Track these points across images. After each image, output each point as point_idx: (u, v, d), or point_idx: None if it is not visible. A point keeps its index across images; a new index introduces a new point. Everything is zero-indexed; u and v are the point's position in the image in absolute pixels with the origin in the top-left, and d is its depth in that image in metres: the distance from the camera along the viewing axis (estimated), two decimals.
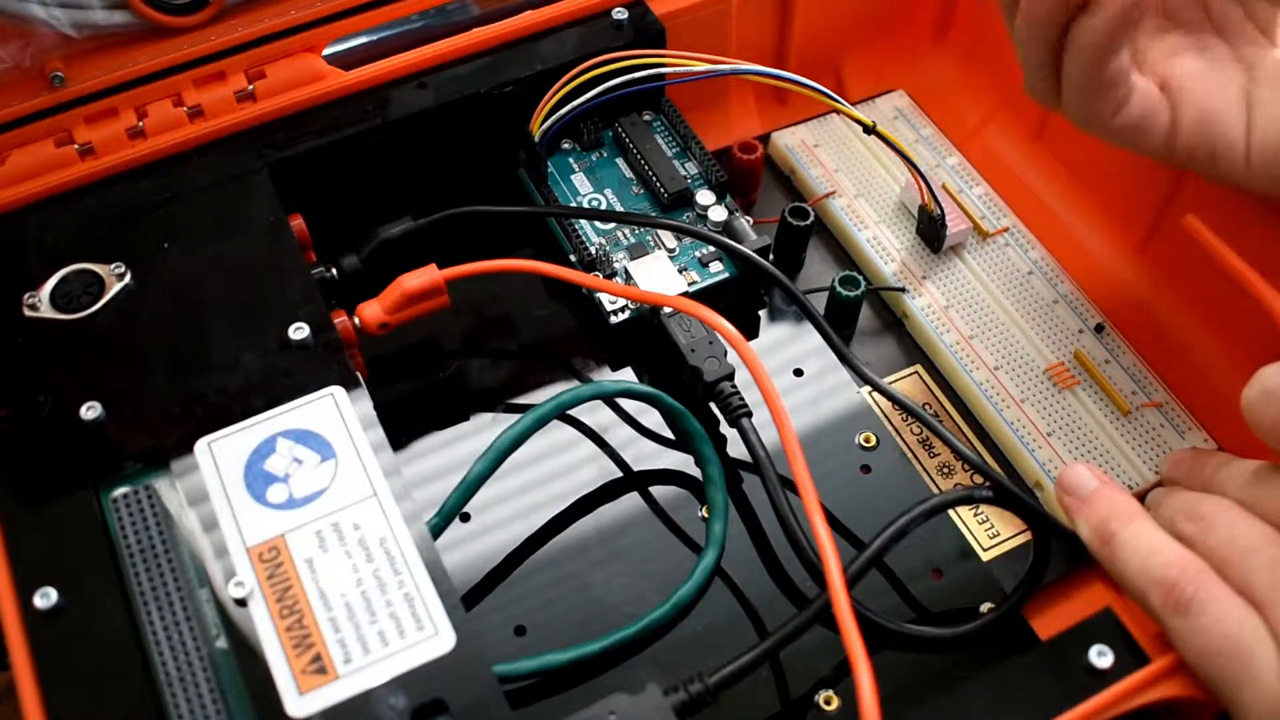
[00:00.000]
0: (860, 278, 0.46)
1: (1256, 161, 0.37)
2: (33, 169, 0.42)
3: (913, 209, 0.49)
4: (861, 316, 0.47)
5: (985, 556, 0.41)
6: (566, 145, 0.49)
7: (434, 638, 0.32)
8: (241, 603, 0.32)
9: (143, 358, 0.37)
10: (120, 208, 0.41)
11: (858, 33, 0.54)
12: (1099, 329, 0.45)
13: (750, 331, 0.47)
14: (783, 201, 0.49)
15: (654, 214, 0.47)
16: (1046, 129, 0.50)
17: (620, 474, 0.42)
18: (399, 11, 0.46)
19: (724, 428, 0.43)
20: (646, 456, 0.43)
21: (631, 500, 0.42)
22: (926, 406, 0.45)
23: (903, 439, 0.44)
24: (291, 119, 0.44)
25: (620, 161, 0.49)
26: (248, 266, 0.40)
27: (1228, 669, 0.31)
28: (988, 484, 0.38)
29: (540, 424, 0.40)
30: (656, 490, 0.42)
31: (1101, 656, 0.34)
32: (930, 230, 0.47)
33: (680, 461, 0.43)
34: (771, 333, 0.47)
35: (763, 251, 0.45)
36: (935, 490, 0.42)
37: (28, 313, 0.38)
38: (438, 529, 0.38)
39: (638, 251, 0.46)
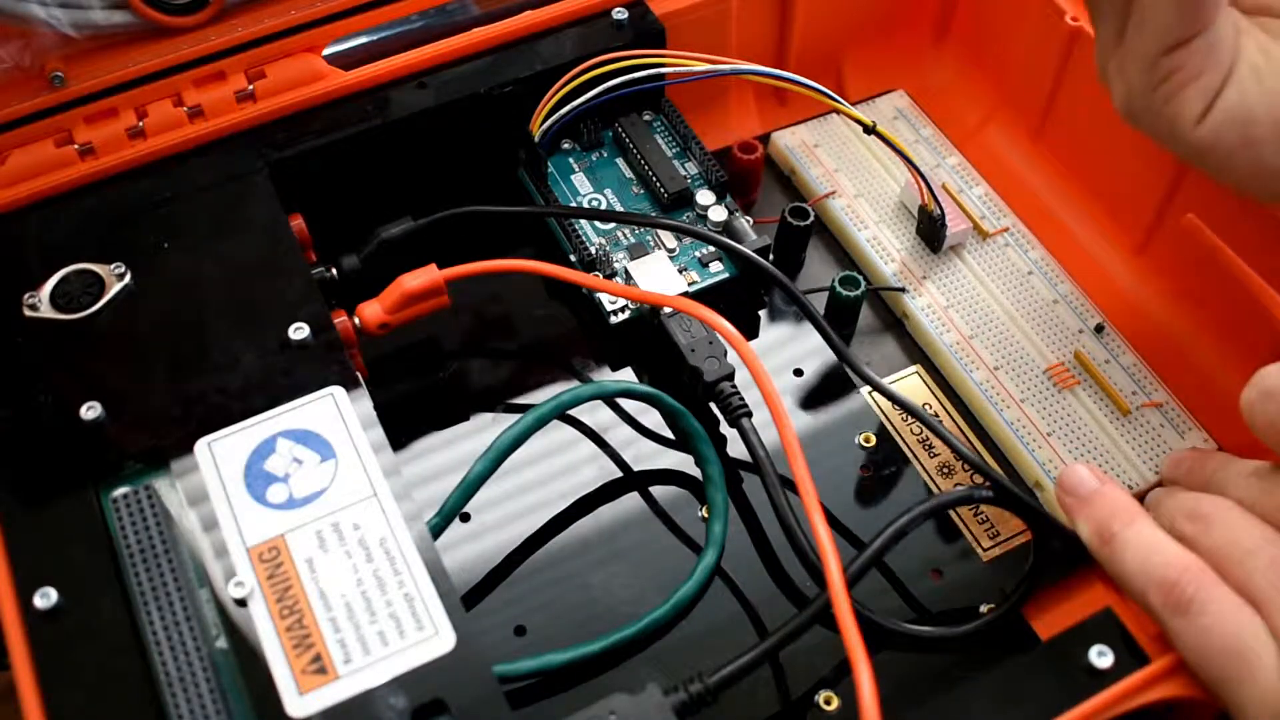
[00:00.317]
0: (860, 278, 0.46)
1: None
2: (33, 169, 0.42)
3: (913, 209, 0.49)
4: (861, 316, 0.47)
5: (985, 556, 0.41)
6: (566, 145, 0.49)
7: (434, 638, 0.32)
8: (241, 603, 0.32)
9: (143, 358, 0.37)
10: (120, 208, 0.41)
11: (858, 33, 0.54)
12: (1099, 329, 0.45)
13: (750, 331, 0.47)
14: (783, 201, 0.49)
15: (654, 214, 0.47)
16: (1046, 129, 0.50)
17: (620, 474, 0.42)
18: (399, 11, 0.46)
19: (724, 428, 0.43)
20: (646, 456, 0.43)
21: (631, 500, 0.42)
22: (926, 406, 0.45)
23: (903, 439, 0.44)
24: (291, 119, 0.44)
25: (620, 161, 0.49)
26: (248, 266, 0.40)
27: (1228, 669, 0.31)
28: (988, 484, 0.38)
29: (540, 424, 0.40)
30: (656, 490, 0.42)
31: (1101, 656, 0.34)
32: (930, 230, 0.47)
33: (680, 461, 0.43)
34: (771, 333, 0.47)
35: (763, 251, 0.45)
36: (935, 490, 0.42)
37: (28, 313, 0.38)
38: (438, 529, 0.38)
39: (638, 251, 0.46)
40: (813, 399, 0.44)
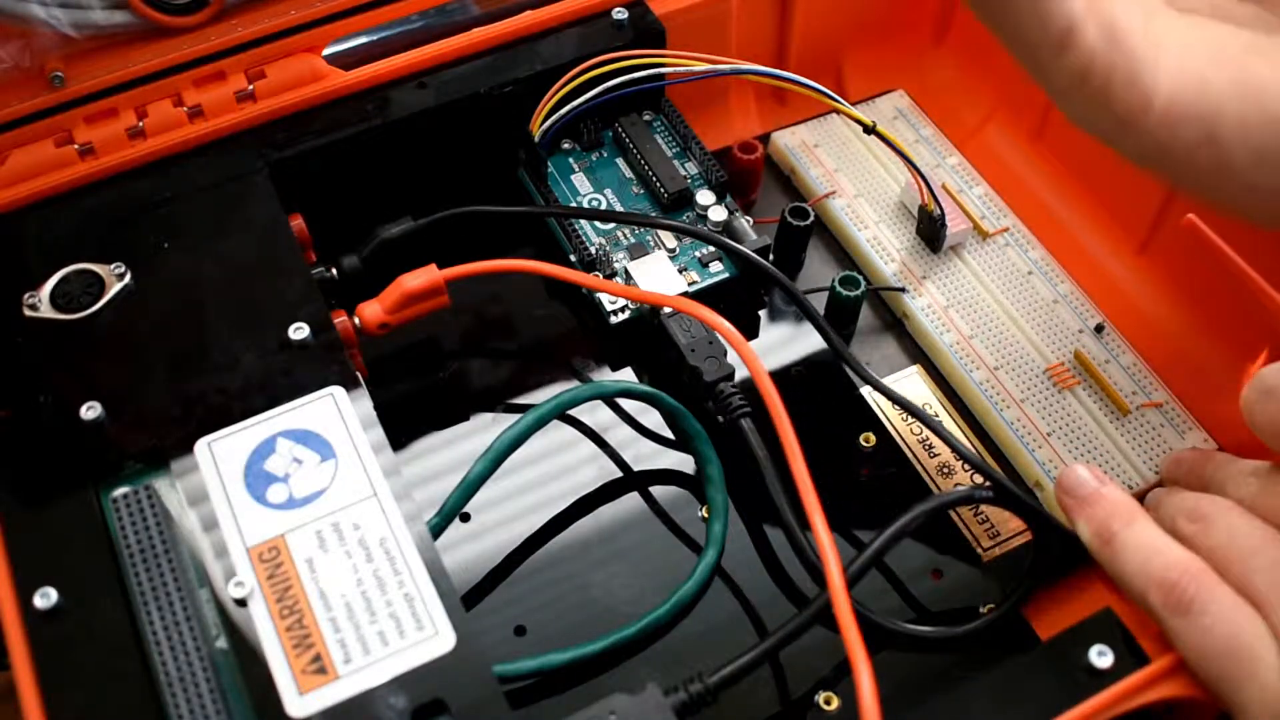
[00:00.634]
0: (860, 278, 0.46)
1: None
2: (33, 169, 0.42)
3: (913, 209, 0.49)
4: (861, 316, 0.47)
5: (985, 556, 0.41)
6: (566, 145, 0.49)
7: (434, 638, 0.32)
8: (241, 603, 0.32)
9: (143, 358, 0.37)
10: (120, 208, 0.41)
11: (858, 33, 0.54)
12: (1099, 329, 0.45)
13: (750, 331, 0.47)
14: (783, 201, 0.49)
15: (654, 214, 0.47)
16: (1046, 129, 0.50)
17: (620, 474, 0.42)
18: (399, 11, 0.46)
19: (724, 428, 0.43)
20: (646, 456, 0.43)
21: (631, 500, 0.42)
22: (926, 406, 0.45)
23: (903, 439, 0.44)
24: (291, 119, 0.44)
25: (620, 161, 0.49)
26: (248, 266, 0.40)
27: (1228, 669, 0.31)
28: (988, 484, 0.38)
29: (540, 424, 0.40)
30: (656, 490, 0.42)
31: (1101, 656, 0.34)
32: (930, 230, 0.47)
33: (680, 461, 0.43)
34: (771, 333, 0.47)
35: (763, 251, 0.45)
36: (935, 490, 0.42)
37: (28, 313, 0.38)
38: (438, 529, 0.38)
39: (638, 251, 0.46)
40: (813, 399, 0.44)
